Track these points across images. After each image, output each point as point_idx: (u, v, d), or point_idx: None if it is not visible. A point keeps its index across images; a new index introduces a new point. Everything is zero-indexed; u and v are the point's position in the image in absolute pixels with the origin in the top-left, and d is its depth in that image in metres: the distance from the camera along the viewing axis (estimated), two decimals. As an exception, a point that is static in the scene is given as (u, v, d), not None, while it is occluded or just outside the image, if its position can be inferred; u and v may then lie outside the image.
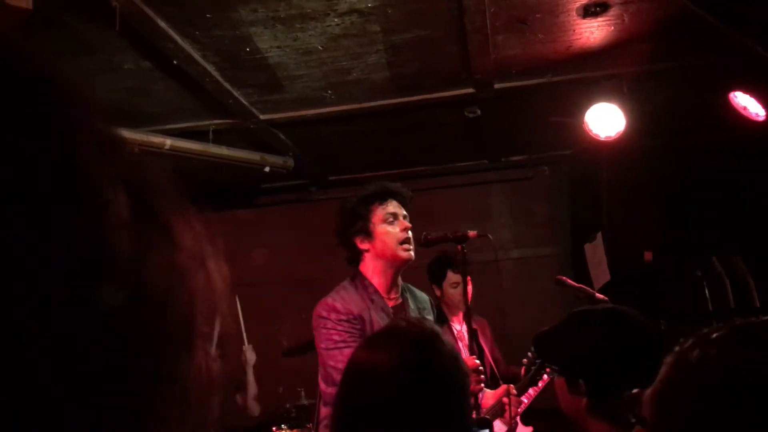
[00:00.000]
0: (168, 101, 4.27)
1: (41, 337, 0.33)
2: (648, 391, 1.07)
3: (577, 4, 3.40)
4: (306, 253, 6.06)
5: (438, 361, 1.47)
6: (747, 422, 0.92)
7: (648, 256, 4.71)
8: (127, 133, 4.26)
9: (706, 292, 4.74)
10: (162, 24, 3.32)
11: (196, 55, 3.66)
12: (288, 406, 4.60)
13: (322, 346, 2.74)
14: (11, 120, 0.35)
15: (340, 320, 2.74)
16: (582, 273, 4.99)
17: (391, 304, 2.84)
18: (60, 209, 0.34)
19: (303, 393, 4.61)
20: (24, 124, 0.35)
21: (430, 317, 3.00)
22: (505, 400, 2.67)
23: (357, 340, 2.67)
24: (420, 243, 2.95)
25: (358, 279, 2.85)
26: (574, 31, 3.68)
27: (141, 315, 0.37)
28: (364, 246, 2.83)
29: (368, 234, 2.82)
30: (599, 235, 4.92)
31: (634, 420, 1.45)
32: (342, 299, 2.77)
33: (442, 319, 4.15)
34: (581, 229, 5.33)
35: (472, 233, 2.94)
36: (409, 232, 2.83)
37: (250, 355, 4.87)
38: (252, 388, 4.79)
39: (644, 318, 1.83)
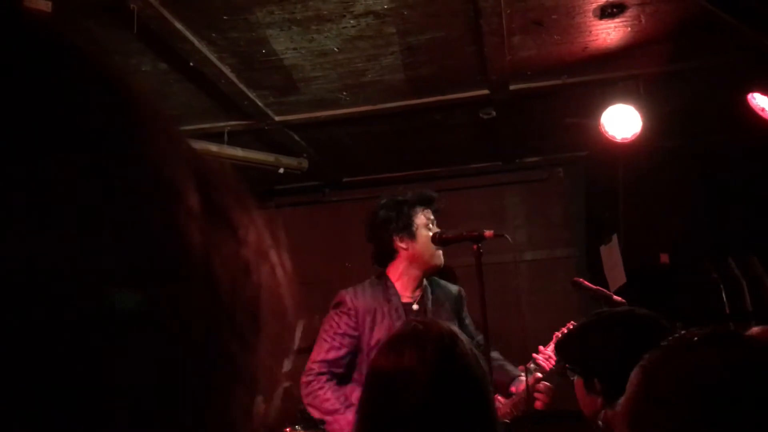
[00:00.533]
0: (184, 103, 4.29)
1: (111, 327, 0.33)
2: (617, 409, 1.06)
3: (594, 5, 3.39)
4: (320, 255, 6.07)
5: (462, 361, 1.47)
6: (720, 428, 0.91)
7: (664, 258, 4.68)
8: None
9: (723, 294, 4.71)
10: (179, 26, 3.34)
11: (213, 57, 3.68)
12: (302, 407, 4.60)
13: (321, 329, 2.97)
14: (88, 114, 0.35)
15: (341, 312, 2.90)
16: (598, 275, 4.97)
17: (413, 300, 2.94)
18: (137, 200, 0.35)
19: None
20: (100, 118, 0.36)
21: (459, 309, 3.05)
22: (538, 387, 2.70)
23: (343, 338, 2.80)
24: (435, 241, 2.98)
25: (383, 278, 2.93)
26: (590, 32, 3.66)
27: (210, 308, 0.37)
28: (402, 245, 2.91)
29: (411, 235, 2.90)
30: (615, 236, 4.89)
31: None
32: (355, 293, 2.91)
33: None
34: (597, 231, 5.30)
35: (488, 233, 2.95)
36: None
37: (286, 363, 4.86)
38: (278, 397, 4.77)
39: (663, 321, 1.83)
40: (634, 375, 1.05)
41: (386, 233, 2.95)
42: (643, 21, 3.55)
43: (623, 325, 1.82)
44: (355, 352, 2.89)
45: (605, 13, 3.42)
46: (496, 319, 4.54)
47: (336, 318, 2.89)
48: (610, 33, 3.67)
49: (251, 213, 0.43)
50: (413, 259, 2.89)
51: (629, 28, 3.63)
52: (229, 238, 0.40)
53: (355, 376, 2.89)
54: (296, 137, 4.94)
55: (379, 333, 2.85)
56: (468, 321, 3.16)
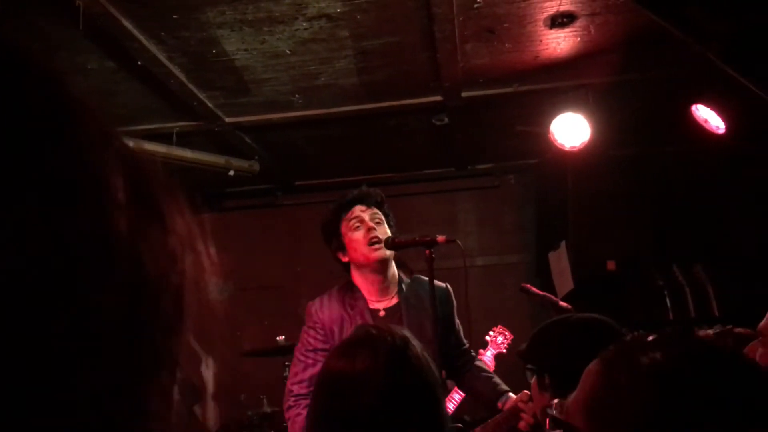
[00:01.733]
0: (132, 102, 4.20)
1: (44, 311, 0.34)
2: (574, 399, 1.07)
3: (545, 15, 3.44)
4: (272, 259, 6.02)
5: (414, 365, 1.47)
6: (681, 425, 0.93)
7: (611, 265, 4.77)
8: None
9: (667, 300, 4.81)
10: (127, 24, 3.26)
11: (162, 57, 3.61)
12: (250, 413, 4.55)
13: (297, 345, 2.85)
14: (19, 107, 0.37)
15: (308, 327, 2.82)
16: (547, 281, 5.03)
17: (381, 305, 2.84)
18: (61, 189, 0.36)
19: (265, 400, 4.56)
20: (28, 111, 0.37)
21: (447, 309, 2.96)
22: (522, 405, 2.65)
23: (315, 353, 2.75)
24: (387, 245, 2.92)
25: (349, 284, 2.88)
26: (541, 41, 3.71)
27: (136, 295, 0.39)
28: (344, 259, 2.87)
29: (343, 247, 2.84)
30: (563, 243, 4.96)
31: (557, 429, 1.47)
32: (320, 306, 2.83)
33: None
34: (546, 238, 5.37)
35: (441, 238, 2.93)
36: (377, 232, 2.79)
37: (209, 364, 4.74)
38: (209, 400, 4.67)
39: (619, 328, 1.88)
40: (592, 366, 1.07)
41: (332, 254, 2.93)
42: (593, 31, 3.61)
43: (575, 326, 1.88)
44: None
45: (555, 22, 3.47)
46: (447, 325, 4.56)
47: (305, 335, 2.81)
48: (560, 42, 3.73)
49: (180, 204, 0.45)
50: (357, 265, 2.85)
51: (579, 38, 3.69)
52: (157, 228, 0.41)
53: None
54: (247, 139, 4.89)
55: None
56: (458, 326, 3.06)
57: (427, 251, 2.95)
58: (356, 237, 2.79)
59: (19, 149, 0.35)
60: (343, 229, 2.83)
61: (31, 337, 0.34)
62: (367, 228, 2.79)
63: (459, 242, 3.04)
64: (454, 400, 3.91)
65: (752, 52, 2.99)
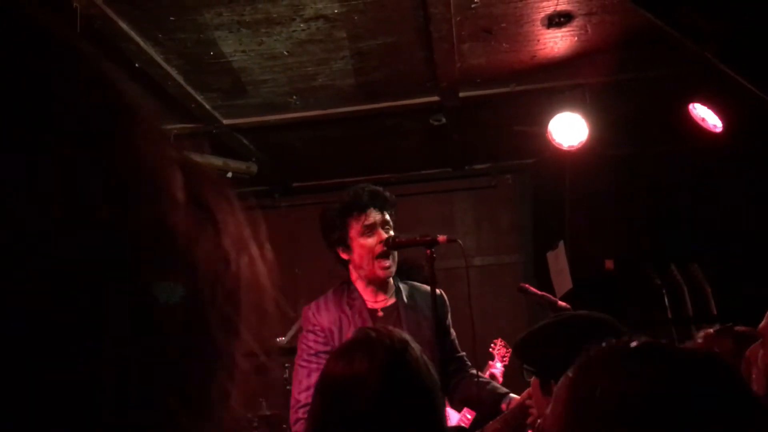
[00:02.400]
0: (129, 105, 4.19)
1: (98, 308, 0.34)
2: (549, 411, 1.07)
3: (542, 15, 3.44)
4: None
5: (412, 368, 1.47)
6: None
7: (609, 264, 4.78)
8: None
9: (666, 300, 4.82)
10: (124, 26, 3.26)
11: (159, 58, 3.60)
12: (250, 416, 4.53)
13: (297, 354, 2.77)
14: (79, 105, 0.37)
15: (308, 331, 2.75)
16: (545, 281, 5.03)
17: (379, 306, 2.80)
18: (122, 186, 0.37)
19: (264, 403, 4.55)
20: (89, 108, 0.38)
21: (441, 315, 2.91)
22: (530, 402, 2.62)
23: (317, 356, 2.68)
24: (388, 245, 2.90)
25: (346, 284, 2.83)
26: (538, 41, 3.71)
27: (193, 296, 0.39)
28: (345, 256, 2.81)
29: (347, 246, 2.78)
30: (561, 243, 4.97)
31: None
32: (317, 309, 2.77)
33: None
34: (544, 238, 5.38)
35: (441, 238, 2.90)
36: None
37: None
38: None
39: (620, 325, 1.86)
40: (560, 386, 1.06)
41: (329, 246, 2.85)
42: (590, 31, 3.62)
43: (581, 327, 1.84)
44: None
45: (552, 22, 3.47)
46: (445, 325, 4.57)
47: (305, 339, 2.73)
48: (557, 42, 3.73)
49: (232, 206, 0.45)
50: (358, 268, 2.81)
51: (576, 38, 3.69)
52: (211, 230, 0.42)
53: None
54: (245, 141, 4.88)
55: None
56: (453, 335, 3.01)
57: (428, 251, 2.93)
58: (367, 245, 2.74)
59: (82, 146, 0.36)
60: (352, 231, 2.75)
61: (89, 334, 0.34)
62: (380, 239, 2.74)
63: (460, 242, 3.03)
64: (466, 418, 3.88)
65: (748, 51, 3.00)
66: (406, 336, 1.57)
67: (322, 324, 2.73)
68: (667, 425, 0.92)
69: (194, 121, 4.47)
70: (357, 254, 2.76)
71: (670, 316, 4.70)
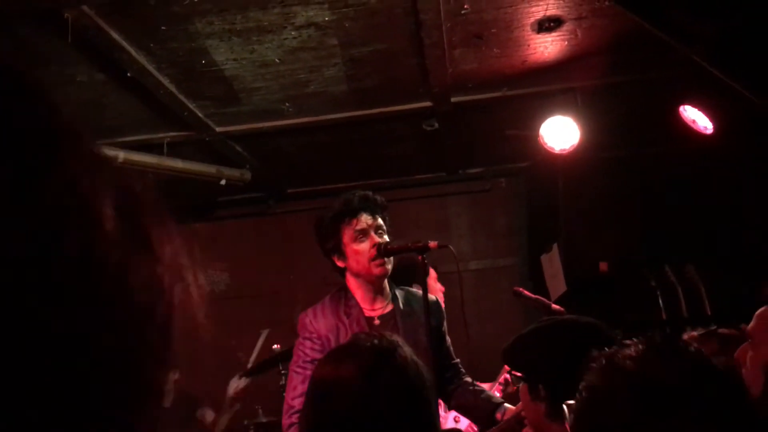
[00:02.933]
0: (122, 114, 4.20)
1: (26, 343, 0.34)
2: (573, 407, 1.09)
3: (532, 20, 3.46)
4: (266, 267, 6.01)
5: (399, 370, 1.48)
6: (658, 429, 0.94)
7: (603, 266, 4.79)
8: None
9: (660, 301, 4.83)
10: (116, 36, 3.27)
11: (151, 67, 3.61)
12: (246, 423, 4.53)
13: (292, 360, 2.77)
14: (9, 132, 0.37)
15: (304, 338, 2.75)
16: (540, 284, 5.05)
17: (376, 314, 2.80)
18: (50, 220, 0.36)
19: (261, 410, 4.55)
20: (17, 136, 0.37)
21: (438, 322, 2.92)
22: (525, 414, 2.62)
23: (313, 364, 2.64)
24: (380, 252, 2.90)
25: (342, 291, 2.83)
26: (528, 45, 3.73)
27: (123, 326, 0.39)
28: (341, 264, 2.81)
29: (341, 253, 2.78)
30: (555, 246, 4.98)
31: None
32: (314, 316, 2.77)
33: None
34: (538, 241, 5.39)
35: (433, 243, 2.91)
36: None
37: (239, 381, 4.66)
38: (227, 411, 4.62)
39: (606, 327, 1.87)
40: (581, 387, 1.08)
41: (325, 255, 2.86)
42: (580, 35, 3.64)
43: (567, 332, 1.85)
44: None
45: (543, 27, 3.49)
46: (441, 329, 4.58)
47: (301, 346, 2.73)
48: (547, 47, 3.75)
49: (170, 232, 0.45)
50: (355, 274, 2.81)
51: (566, 42, 3.71)
52: (146, 259, 0.41)
53: None
54: (238, 148, 4.89)
55: None
56: (449, 341, 3.01)
57: (420, 257, 2.94)
58: (360, 249, 2.74)
59: (8, 176, 0.35)
60: (345, 237, 2.75)
61: (13, 366, 0.34)
62: (373, 243, 2.74)
63: (452, 248, 3.04)
64: (472, 429, 3.89)
65: (736, 53, 3.02)
66: (397, 339, 1.58)
67: (319, 331, 2.72)
68: (670, 413, 0.93)
69: (187, 129, 4.48)
70: (352, 260, 2.76)
71: (664, 317, 4.71)
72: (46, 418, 0.35)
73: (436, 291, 4.15)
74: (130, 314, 0.39)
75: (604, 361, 1.05)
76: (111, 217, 0.39)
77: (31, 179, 0.36)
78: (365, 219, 2.76)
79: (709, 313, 4.61)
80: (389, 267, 2.79)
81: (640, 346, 1.05)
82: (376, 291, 2.82)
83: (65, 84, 3.74)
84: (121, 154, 4.40)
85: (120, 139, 4.50)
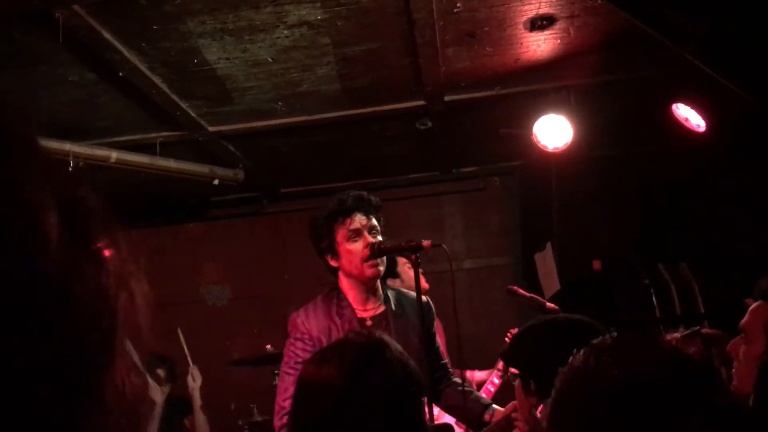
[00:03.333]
0: (114, 114, 4.19)
1: None
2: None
3: (524, 18, 3.46)
4: (259, 267, 6.00)
5: (382, 368, 1.48)
6: (626, 428, 0.94)
7: (597, 265, 4.80)
8: (71, 147, 4.17)
9: (654, 299, 4.85)
10: (107, 36, 3.25)
11: (143, 67, 3.60)
12: (240, 422, 4.53)
13: (282, 361, 2.76)
14: None
15: (295, 339, 2.74)
16: (534, 282, 5.05)
17: (368, 314, 2.80)
18: None
19: (255, 409, 4.55)
20: None
21: (429, 323, 2.92)
22: (515, 415, 2.61)
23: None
24: (374, 252, 2.91)
25: (335, 291, 2.83)
26: (521, 44, 3.73)
27: (66, 334, 0.39)
28: (334, 263, 2.81)
29: (335, 253, 2.78)
30: (549, 244, 4.99)
31: None
32: (306, 316, 2.76)
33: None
34: (532, 239, 5.40)
35: (426, 242, 2.91)
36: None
37: (196, 376, 4.70)
38: (198, 411, 4.64)
39: (597, 325, 1.89)
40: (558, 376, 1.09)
41: (318, 254, 2.86)
42: (572, 34, 3.64)
43: (558, 329, 1.89)
44: None
45: (535, 25, 3.49)
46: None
47: (292, 347, 2.72)
48: (540, 45, 3.75)
49: (116, 242, 0.45)
50: (347, 274, 2.81)
51: (559, 41, 3.71)
52: (91, 267, 0.41)
53: None
54: (231, 148, 4.88)
55: None
56: (438, 342, 3.01)
57: (413, 256, 2.95)
58: (353, 249, 2.74)
59: None
60: (339, 236, 2.75)
61: None
62: (366, 243, 2.74)
63: (445, 247, 3.04)
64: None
65: (728, 50, 3.02)
66: (386, 338, 1.58)
67: (311, 332, 2.72)
68: (637, 410, 0.94)
69: (180, 129, 4.47)
70: (345, 259, 2.76)
71: (658, 315, 4.73)
72: None
73: (413, 277, 4.15)
74: (74, 322, 0.39)
75: (575, 364, 1.05)
76: (55, 225, 0.39)
77: None
78: (359, 219, 2.76)
79: (703, 311, 4.62)
80: (382, 268, 2.80)
81: (613, 346, 1.05)
82: (369, 292, 2.81)
83: (57, 84, 3.72)
84: (114, 155, 4.38)
85: (112, 139, 4.48)
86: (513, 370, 1.99)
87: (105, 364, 0.42)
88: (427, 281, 4.04)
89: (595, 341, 1.07)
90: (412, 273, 4.17)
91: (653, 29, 3.12)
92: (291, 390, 2.62)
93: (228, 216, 6.18)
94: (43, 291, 0.38)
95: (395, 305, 2.86)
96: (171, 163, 4.70)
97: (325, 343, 2.68)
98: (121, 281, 0.44)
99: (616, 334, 1.07)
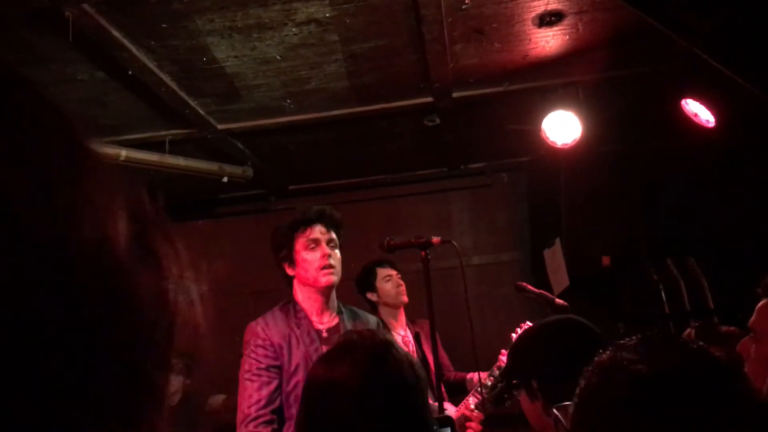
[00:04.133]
0: (123, 112, 4.20)
1: (40, 349, 0.35)
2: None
3: (533, 14, 3.45)
4: (267, 265, 6.00)
5: (393, 369, 1.50)
6: (654, 427, 0.95)
7: (606, 260, 4.79)
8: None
9: (663, 294, 4.83)
10: (116, 34, 3.27)
11: (152, 65, 3.61)
12: None
13: (240, 372, 2.78)
14: (18, 150, 0.38)
15: (257, 346, 2.76)
16: (542, 279, 5.05)
17: (324, 326, 2.85)
18: (68, 238, 0.38)
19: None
20: (29, 153, 0.38)
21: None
22: (468, 414, 2.67)
23: (268, 371, 2.70)
24: (383, 249, 2.96)
25: (291, 303, 2.87)
26: (530, 40, 3.73)
27: (133, 334, 0.40)
28: (290, 272, 2.86)
29: (292, 261, 2.84)
30: (558, 240, 4.98)
31: None
32: (266, 324, 2.80)
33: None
34: (540, 235, 5.39)
35: (435, 239, 2.95)
36: (331, 259, 2.82)
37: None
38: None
39: (590, 325, 1.91)
40: (583, 375, 1.10)
41: (276, 263, 2.91)
42: (581, 29, 3.63)
43: (554, 330, 1.91)
44: (280, 383, 2.74)
45: (544, 21, 3.48)
46: (445, 325, 4.58)
47: (253, 354, 2.74)
48: (549, 41, 3.74)
49: (176, 250, 0.46)
50: (303, 283, 2.86)
51: (567, 36, 3.70)
52: (154, 271, 0.43)
53: (287, 414, 2.70)
54: (240, 145, 4.89)
55: (296, 359, 2.74)
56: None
57: (423, 252, 2.97)
58: (310, 259, 2.81)
59: (33, 192, 0.37)
60: (298, 245, 2.82)
61: (30, 372, 0.35)
62: (323, 253, 2.81)
63: (454, 243, 3.06)
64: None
65: (737, 45, 3.01)
66: (390, 338, 1.60)
67: (273, 339, 2.76)
68: (662, 408, 0.94)
69: (189, 127, 4.48)
70: (301, 268, 2.82)
71: (667, 310, 4.71)
72: (46, 410, 0.35)
73: (395, 293, 4.16)
74: (138, 322, 0.41)
75: (602, 360, 1.06)
76: (124, 231, 0.41)
77: (53, 202, 0.38)
78: (319, 229, 2.84)
79: (712, 307, 4.61)
80: (336, 278, 2.85)
81: (639, 344, 1.05)
82: (323, 302, 2.87)
83: (66, 83, 3.74)
84: (123, 152, 4.40)
85: (122, 137, 4.50)
86: (513, 381, 1.99)
87: (166, 366, 0.43)
88: (436, 278, 4.04)
89: (620, 342, 1.07)
90: (388, 287, 4.23)
91: (662, 24, 3.11)
92: (255, 396, 2.65)
93: (236, 213, 6.19)
94: (113, 290, 0.39)
95: (347, 319, 2.92)
96: (180, 161, 4.71)
97: (285, 350, 2.73)
98: (180, 286, 0.45)
99: (638, 335, 1.08)
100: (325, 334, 2.84)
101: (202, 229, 6.17)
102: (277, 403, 2.70)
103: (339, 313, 2.92)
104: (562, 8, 3.41)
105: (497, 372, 3.95)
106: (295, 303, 2.87)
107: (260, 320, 2.83)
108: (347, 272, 3.20)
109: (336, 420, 1.45)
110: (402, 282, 4.20)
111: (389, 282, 4.22)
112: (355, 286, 4.28)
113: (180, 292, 0.45)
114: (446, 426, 2.06)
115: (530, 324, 4.41)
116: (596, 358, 1.09)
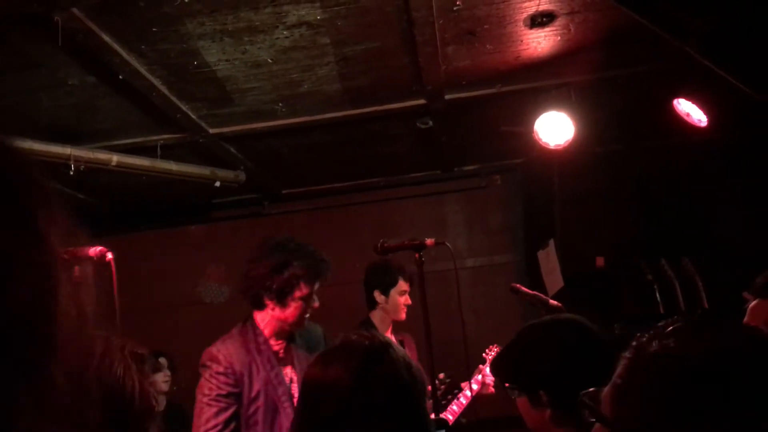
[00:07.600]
0: (114, 117, 4.18)
1: None
2: (606, 389, 1.07)
3: (524, 15, 3.45)
4: (260, 268, 5.99)
5: (389, 369, 1.49)
6: (708, 410, 0.92)
7: (600, 261, 4.78)
8: (72, 151, 4.16)
9: (657, 294, 4.83)
10: (106, 38, 3.25)
11: (143, 70, 3.59)
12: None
13: (199, 394, 2.79)
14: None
15: (218, 372, 2.77)
16: (537, 280, 5.04)
17: (280, 348, 2.92)
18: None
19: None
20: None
21: (317, 348, 3.03)
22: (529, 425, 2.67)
23: (227, 398, 2.73)
24: (377, 251, 2.97)
25: (249, 325, 2.88)
26: (521, 41, 3.72)
27: (10, 316, 0.40)
28: (270, 306, 2.85)
29: (283, 303, 2.83)
30: (552, 242, 4.98)
31: (593, 419, 1.45)
32: (226, 350, 2.81)
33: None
34: (534, 237, 5.39)
35: (429, 241, 2.96)
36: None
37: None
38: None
39: (588, 322, 1.86)
40: (623, 358, 1.06)
41: (263, 286, 2.87)
42: (573, 30, 3.63)
43: (553, 332, 1.84)
44: (238, 409, 2.77)
45: (535, 22, 3.48)
46: (439, 327, 4.57)
47: (214, 380, 2.75)
48: (540, 42, 3.74)
49: (62, 235, 0.46)
50: (279, 319, 2.87)
51: (559, 37, 3.70)
52: (32, 250, 0.43)
53: None
54: (232, 150, 4.87)
55: (258, 385, 2.77)
56: None
57: (417, 255, 2.97)
58: (302, 309, 2.84)
59: None
60: (298, 292, 2.82)
61: None
62: (314, 306, 2.90)
63: (448, 245, 3.06)
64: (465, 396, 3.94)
65: (729, 45, 3.02)
66: (388, 339, 1.60)
67: (234, 366, 2.77)
68: (707, 402, 0.92)
69: (180, 131, 4.46)
70: (289, 311, 2.83)
71: (662, 311, 4.71)
72: None
73: (400, 308, 4.15)
74: (16, 301, 0.40)
75: (642, 349, 1.02)
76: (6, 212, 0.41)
77: None
78: (317, 286, 2.90)
79: (707, 307, 4.61)
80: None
81: (681, 329, 1.02)
82: (287, 333, 2.94)
83: (56, 87, 3.72)
84: (115, 158, 4.38)
85: (113, 143, 4.48)
86: (507, 385, 1.90)
87: (48, 345, 0.43)
88: (430, 280, 4.03)
89: (662, 324, 1.04)
90: (400, 301, 4.21)
91: (654, 24, 3.11)
92: (213, 422, 2.69)
93: (229, 218, 6.17)
94: None
95: (298, 338, 3.01)
96: (172, 166, 4.69)
97: (246, 378, 2.76)
98: (63, 272, 0.44)
99: (677, 319, 1.05)
100: (281, 354, 2.92)
101: (195, 234, 6.14)
102: (232, 426, 2.75)
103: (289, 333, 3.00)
104: (553, 9, 3.41)
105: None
106: (254, 326, 2.89)
107: (221, 346, 2.83)
108: (340, 276, 3.19)
109: (330, 419, 1.44)
110: (410, 301, 4.17)
111: (403, 297, 4.19)
112: (364, 277, 4.23)
113: (64, 271, 0.44)
114: (442, 428, 2.04)
115: (496, 348, 4.41)
116: (636, 345, 1.05)
